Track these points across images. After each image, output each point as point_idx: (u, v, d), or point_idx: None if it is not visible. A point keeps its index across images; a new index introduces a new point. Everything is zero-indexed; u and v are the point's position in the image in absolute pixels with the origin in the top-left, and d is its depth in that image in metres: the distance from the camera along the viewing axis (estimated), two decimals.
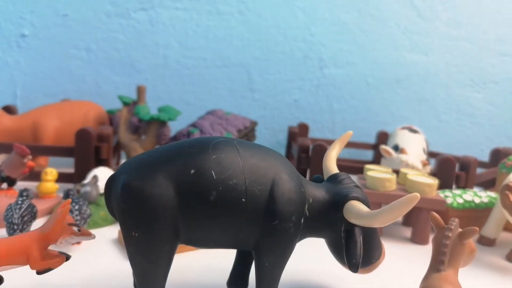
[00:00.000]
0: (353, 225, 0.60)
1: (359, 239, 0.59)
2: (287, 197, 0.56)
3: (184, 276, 0.74)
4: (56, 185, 1.04)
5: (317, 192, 0.62)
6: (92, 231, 0.90)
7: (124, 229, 0.54)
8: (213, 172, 0.53)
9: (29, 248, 0.54)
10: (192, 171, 0.52)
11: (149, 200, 0.51)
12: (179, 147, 0.56)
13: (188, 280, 0.73)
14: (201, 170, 0.53)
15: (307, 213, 0.60)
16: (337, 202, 0.61)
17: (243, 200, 0.53)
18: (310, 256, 0.84)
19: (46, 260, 0.55)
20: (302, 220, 0.59)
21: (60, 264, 0.57)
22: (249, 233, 0.56)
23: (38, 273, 0.56)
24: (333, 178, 0.66)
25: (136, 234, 0.52)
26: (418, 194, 0.52)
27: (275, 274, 0.59)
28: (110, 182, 0.55)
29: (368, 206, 0.62)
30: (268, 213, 0.55)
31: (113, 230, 0.92)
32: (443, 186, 1.15)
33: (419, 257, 0.91)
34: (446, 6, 1.73)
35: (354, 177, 1.60)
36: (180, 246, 0.82)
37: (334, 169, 0.70)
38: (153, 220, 0.51)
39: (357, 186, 0.64)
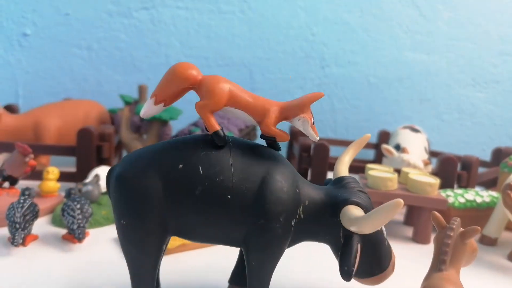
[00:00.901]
0: (352, 231, 0.57)
1: (356, 246, 0.56)
2: (275, 197, 0.54)
3: (186, 274, 0.74)
4: (58, 184, 1.04)
5: (316, 194, 0.60)
6: (94, 230, 0.91)
7: (115, 217, 0.56)
8: (200, 168, 0.53)
9: (271, 109, 0.56)
10: (181, 165, 0.54)
11: (137, 190, 0.53)
12: (173, 143, 0.57)
13: (190, 277, 0.73)
14: (189, 164, 0.54)
15: (302, 215, 0.58)
16: (335, 205, 0.58)
17: (229, 197, 0.53)
18: (311, 256, 0.84)
19: (276, 129, 0.56)
20: (293, 221, 0.57)
21: (284, 140, 0.57)
22: (236, 231, 0.56)
23: (263, 137, 0.58)
24: (339, 181, 0.64)
25: (124, 223, 0.54)
26: (401, 200, 0.49)
27: (263, 274, 0.58)
28: (109, 173, 0.58)
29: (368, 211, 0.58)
30: (255, 211, 0.54)
31: (115, 229, 0.92)
32: (444, 185, 1.15)
33: (420, 257, 0.91)
34: (448, 6, 1.73)
35: (355, 176, 1.60)
36: (181, 245, 0.83)
37: (343, 172, 0.66)
38: (140, 210, 0.53)
39: (362, 191, 0.61)
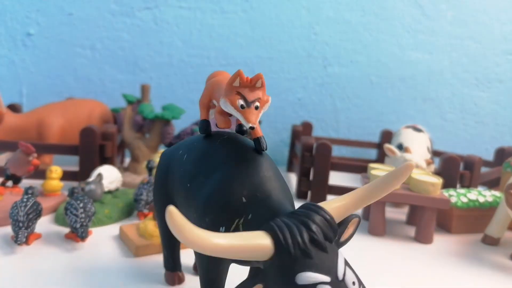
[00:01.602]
0: (266, 265, 0.44)
1: (249, 285, 0.44)
2: (208, 195, 0.53)
3: (188, 274, 0.74)
4: (61, 183, 1.05)
5: (265, 212, 0.49)
6: (96, 229, 0.91)
7: None
8: (185, 155, 0.61)
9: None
10: (180, 151, 0.63)
11: (158, 165, 0.69)
12: (197, 135, 0.65)
13: (192, 278, 0.73)
14: (183, 153, 0.62)
15: (241, 228, 0.51)
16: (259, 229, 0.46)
17: (188, 185, 0.58)
18: None
19: (218, 115, 0.55)
20: (222, 229, 0.51)
21: (224, 126, 0.55)
22: (192, 218, 0.56)
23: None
24: (302, 206, 0.48)
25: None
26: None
27: (202, 275, 0.56)
28: None
29: (287, 247, 0.42)
30: (195, 204, 0.55)
31: (117, 228, 0.93)
32: (447, 185, 1.15)
33: (423, 256, 0.91)
34: (451, 5, 1.73)
35: (357, 176, 1.61)
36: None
37: (326, 204, 0.49)
38: (156, 178, 0.68)
39: (302, 222, 0.44)
